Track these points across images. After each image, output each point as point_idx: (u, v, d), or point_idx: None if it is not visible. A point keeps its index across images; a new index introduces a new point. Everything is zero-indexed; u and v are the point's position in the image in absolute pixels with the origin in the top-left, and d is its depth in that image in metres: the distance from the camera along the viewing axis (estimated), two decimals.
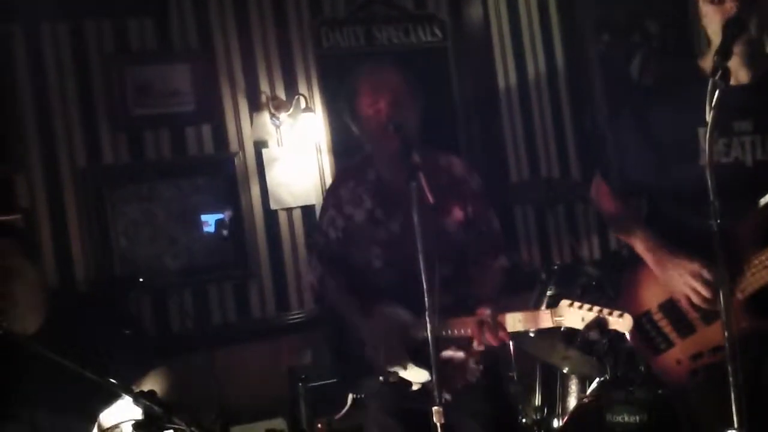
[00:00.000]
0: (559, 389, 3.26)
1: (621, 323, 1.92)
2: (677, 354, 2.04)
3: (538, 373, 3.36)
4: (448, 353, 2.25)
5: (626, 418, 2.76)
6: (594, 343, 2.84)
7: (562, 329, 2.91)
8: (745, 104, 2.00)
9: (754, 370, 1.93)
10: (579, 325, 1.97)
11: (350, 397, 2.61)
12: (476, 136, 4.27)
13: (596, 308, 1.95)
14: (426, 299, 1.88)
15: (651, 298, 2.09)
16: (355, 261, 2.45)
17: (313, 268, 2.56)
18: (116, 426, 2.08)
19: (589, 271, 3.12)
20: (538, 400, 3.34)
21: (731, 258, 1.83)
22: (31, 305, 2.33)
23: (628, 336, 2.08)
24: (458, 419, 2.18)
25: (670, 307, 2.05)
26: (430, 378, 2.22)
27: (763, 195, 1.96)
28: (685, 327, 2.03)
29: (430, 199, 1.96)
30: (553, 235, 4.33)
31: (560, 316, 2.01)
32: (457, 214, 2.38)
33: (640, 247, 2.11)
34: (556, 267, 3.27)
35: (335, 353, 2.55)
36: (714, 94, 1.64)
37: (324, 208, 2.55)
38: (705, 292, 1.94)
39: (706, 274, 1.94)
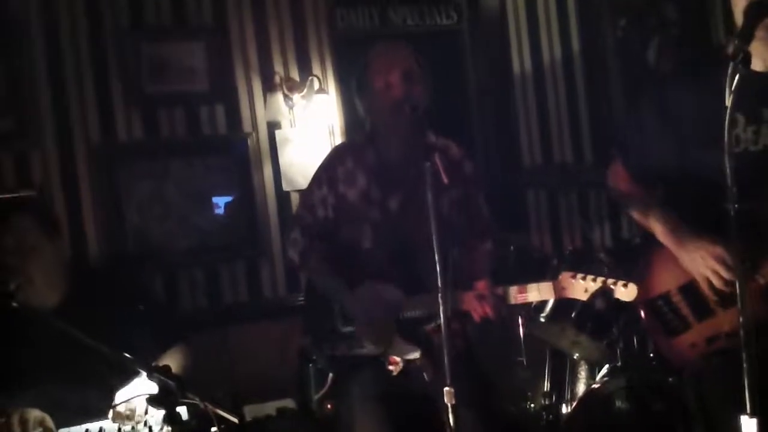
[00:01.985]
0: (568, 375, 3.26)
1: (625, 293, 1.92)
2: (693, 337, 2.03)
3: (547, 358, 3.36)
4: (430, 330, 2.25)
5: (635, 405, 2.77)
6: (605, 327, 2.84)
7: (573, 315, 2.94)
8: None
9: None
10: (583, 296, 1.98)
11: (330, 376, 2.60)
12: (490, 119, 4.25)
13: (600, 278, 1.95)
14: (439, 279, 1.87)
15: (670, 279, 2.06)
16: (344, 240, 2.41)
17: (293, 242, 2.49)
18: (129, 400, 2.09)
19: (601, 257, 3.11)
20: (546, 386, 3.34)
21: (755, 243, 1.85)
22: (48, 281, 2.34)
23: (642, 315, 2.07)
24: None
25: (690, 289, 2.04)
26: (417, 355, 2.25)
27: None
28: (703, 310, 2.02)
29: (445, 179, 1.95)
30: (565, 221, 4.31)
31: (563, 288, 1.99)
32: (451, 195, 2.37)
33: (659, 229, 2.09)
34: (567, 252, 3.26)
35: (313, 330, 2.52)
36: (734, 79, 1.63)
37: (315, 184, 2.48)
38: (727, 276, 1.92)
39: (728, 257, 1.92)
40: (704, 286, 2.00)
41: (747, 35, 1.73)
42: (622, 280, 1.93)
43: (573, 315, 2.94)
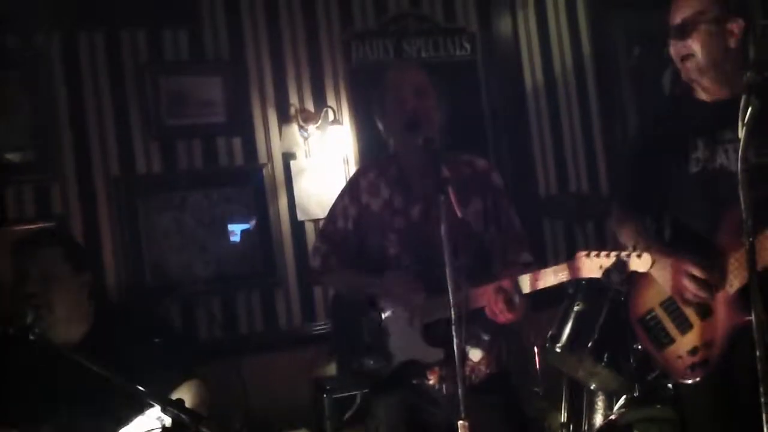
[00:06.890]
0: (585, 406, 3.22)
1: (640, 263, 1.94)
2: (678, 350, 2.16)
3: (564, 389, 3.33)
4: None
5: None
6: (622, 357, 2.81)
7: (590, 345, 2.91)
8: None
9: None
10: (597, 274, 2.00)
11: (357, 397, 2.56)
12: (505, 149, 4.26)
13: (613, 253, 1.98)
14: (452, 312, 1.87)
15: (654, 297, 2.22)
16: (367, 248, 2.43)
17: (315, 250, 2.52)
18: None
19: (617, 285, 3.09)
20: (563, 417, 3.31)
21: (718, 257, 2.05)
22: (72, 313, 2.34)
23: (637, 333, 2.24)
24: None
25: (670, 304, 2.18)
26: (442, 357, 2.22)
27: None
28: (684, 323, 2.16)
29: (459, 213, 1.96)
30: (582, 250, 4.29)
31: (578, 268, 2.04)
32: (477, 205, 2.37)
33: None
34: (584, 282, 3.23)
35: (340, 348, 2.51)
36: (746, 112, 1.66)
37: (338, 197, 2.53)
38: (693, 288, 2.06)
39: (695, 270, 2.06)
40: (678, 300, 2.14)
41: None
42: (636, 251, 1.98)
43: (590, 345, 2.92)
